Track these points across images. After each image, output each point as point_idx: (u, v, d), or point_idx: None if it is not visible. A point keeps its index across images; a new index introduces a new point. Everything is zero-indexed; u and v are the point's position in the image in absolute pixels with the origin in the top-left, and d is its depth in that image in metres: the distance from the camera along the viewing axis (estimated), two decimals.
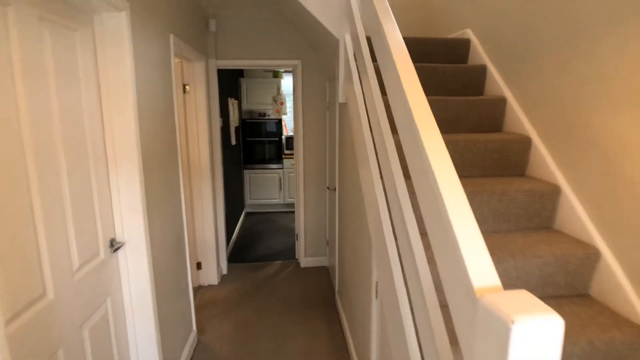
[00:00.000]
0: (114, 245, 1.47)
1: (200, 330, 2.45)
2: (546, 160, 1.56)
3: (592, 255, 1.31)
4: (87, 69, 1.30)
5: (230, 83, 4.08)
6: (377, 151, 1.36)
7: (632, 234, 1.19)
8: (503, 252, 1.31)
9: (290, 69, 3.30)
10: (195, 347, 2.28)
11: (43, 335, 1.06)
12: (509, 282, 1.29)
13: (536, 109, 1.63)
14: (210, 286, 3.07)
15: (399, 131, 1.06)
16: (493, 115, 1.86)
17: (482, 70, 2.00)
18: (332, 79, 2.82)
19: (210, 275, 3.07)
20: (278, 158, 5.32)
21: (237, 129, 4.55)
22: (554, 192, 1.49)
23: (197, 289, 3.00)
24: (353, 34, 1.73)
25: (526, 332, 0.50)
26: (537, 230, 1.52)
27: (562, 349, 0.54)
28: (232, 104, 4.12)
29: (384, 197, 1.37)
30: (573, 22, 1.40)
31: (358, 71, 1.82)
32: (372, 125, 1.45)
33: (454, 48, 2.19)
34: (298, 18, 2.44)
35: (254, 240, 4.27)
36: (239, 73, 4.85)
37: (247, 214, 5.38)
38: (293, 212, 5.45)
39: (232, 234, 4.19)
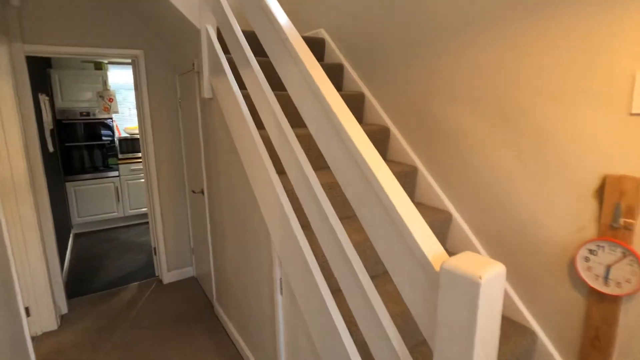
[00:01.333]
0: None
1: None
2: (403, 146, 1.85)
3: (447, 219, 1.65)
4: None
5: (36, 74, 3.21)
6: (275, 146, 1.33)
7: (471, 196, 1.56)
8: None
9: (128, 61, 2.85)
10: None
11: None
12: None
13: (391, 102, 1.92)
14: (47, 334, 2.39)
15: (309, 125, 1.07)
16: (354, 109, 2.08)
17: (339, 68, 2.20)
18: (186, 72, 2.58)
19: (45, 320, 2.40)
20: (111, 164, 4.54)
21: (52, 132, 3.63)
22: (413, 171, 1.79)
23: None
24: (222, 24, 1.63)
25: (489, 282, 0.61)
26: None
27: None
28: (44, 101, 3.26)
29: (284, 192, 1.36)
30: (417, 29, 1.70)
31: (231, 65, 1.73)
32: (263, 121, 1.41)
33: (310, 46, 2.33)
34: (143, 2, 2.12)
35: (95, 265, 3.55)
36: (46, 62, 3.86)
37: (77, 235, 4.41)
38: (137, 224, 4.77)
39: (63, 263, 3.37)
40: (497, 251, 1.50)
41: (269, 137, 1.54)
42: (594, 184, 1.19)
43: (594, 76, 1.15)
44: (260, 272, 1.69)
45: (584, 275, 1.22)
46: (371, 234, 0.86)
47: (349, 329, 1.14)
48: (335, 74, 2.21)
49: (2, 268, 1.53)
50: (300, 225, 1.30)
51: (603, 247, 1.17)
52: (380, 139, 1.94)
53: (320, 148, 1.03)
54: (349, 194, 0.92)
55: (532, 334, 1.39)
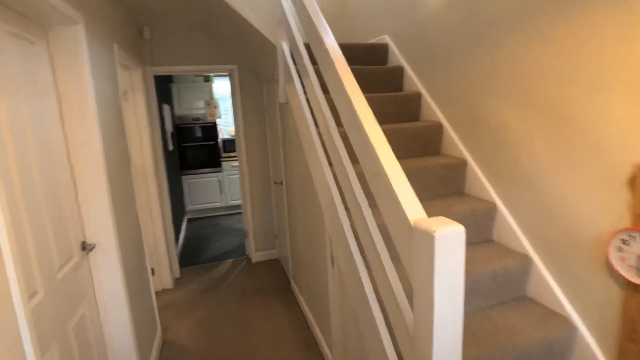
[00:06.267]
0: (86, 248, 1.53)
1: (164, 330, 2.50)
2: (454, 140, 1.96)
3: (491, 208, 1.72)
4: (46, 81, 1.36)
5: (161, 89, 4.05)
6: (325, 142, 1.62)
7: (513, 187, 1.61)
8: (428, 213, 1.66)
9: (226, 74, 3.43)
10: (162, 346, 2.34)
11: (39, 328, 1.13)
12: None
13: (444, 99, 2.04)
14: (165, 290, 3.08)
15: (343, 123, 1.33)
16: (411, 108, 2.24)
17: (399, 70, 2.38)
18: (268, 81, 3.02)
19: (164, 280, 3.09)
20: (216, 162, 5.35)
21: (172, 134, 4.51)
22: (462, 164, 1.89)
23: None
24: (291, 41, 1.97)
25: (443, 236, 0.80)
26: (453, 195, 1.92)
27: (465, 250, 0.83)
28: (167, 110, 4.09)
29: (333, 180, 1.63)
30: (465, 30, 1.81)
31: (298, 74, 2.07)
32: (317, 120, 1.71)
33: (374, 52, 2.55)
34: (234, 26, 2.61)
35: (201, 244, 4.29)
36: (168, 78, 4.79)
37: (189, 220, 5.33)
38: (236, 214, 5.52)
39: (178, 240, 4.17)
40: (538, 241, 1.54)
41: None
42: (627, 173, 1.19)
43: (625, 66, 1.16)
44: (319, 249, 1.99)
45: (617, 265, 1.23)
46: (380, 206, 1.08)
47: (374, 290, 1.36)
48: (396, 75, 2.40)
49: (137, 236, 2.11)
50: (344, 208, 1.56)
51: (635, 237, 1.17)
52: (433, 133, 2.07)
53: (352, 142, 1.27)
54: (367, 175, 1.15)
55: (570, 324, 1.41)
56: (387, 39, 2.54)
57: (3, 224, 0.86)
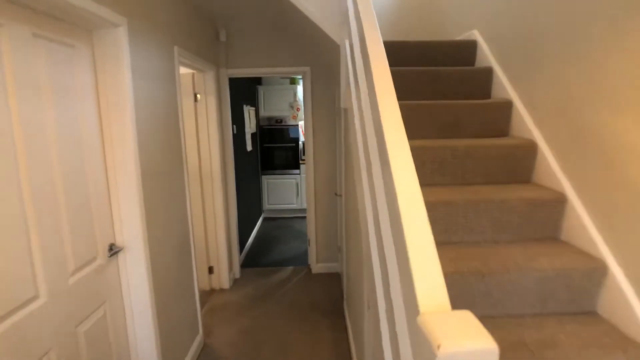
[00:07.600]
0: (113, 250, 1.52)
1: (207, 334, 2.48)
2: (552, 167, 1.47)
3: (598, 269, 1.22)
4: (84, 83, 1.36)
5: (247, 90, 4.16)
6: (366, 158, 1.33)
7: (638, 241, 1.09)
8: (498, 264, 1.24)
9: (301, 76, 3.32)
10: (201, 350, 2.31)
11: (35, 335, 1.10)
12: (504, 296, 1.22)
13: (543, 112, 1.55)
14: (221, 290, 3.11)
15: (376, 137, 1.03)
16: (498, 119, 1.78)
17: (488, 72, 1.92)
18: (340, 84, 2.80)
19: (222, 280, 3.12)
20: (295, 164, 5.34)
21: (253, 135, 4.61)
22: (560, 200, 1.40)
23: (209, 293, 3.06)
24: (350, 39, 1.72)
25: (451, 357, 0.47)
26: (542, 240, 1.43)
27: None
28: (248, 111, 4.18)
29: (371, 206, 1.33)
30: (585, 25, 1.32)
31: (355, 77, 1.80)
32: (363, 132, 1.42)
33: (460, 50, 2.12)
34: (304, 26, 2.45)
35: (269, 245, 4.30)
36: (256, 81, 4.93)
37: (265, 218, 5.43)
38: None
39: (249, 238, 4.24)
40: None
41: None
42: None
43: None
44: (359, 284, 1.70)
45: None
46: (397, 259, 0.77)
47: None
48: (483, 79, 1.94)
49: (184, 238, 2.10)
50: (376, 242, 1.25)
51: None
52: (523, 155, 1.59)
53: (380, 165, 0.97)
54: (390, 219, 0.85)
55: None
56: (476, 34, 2.09)
57: None
